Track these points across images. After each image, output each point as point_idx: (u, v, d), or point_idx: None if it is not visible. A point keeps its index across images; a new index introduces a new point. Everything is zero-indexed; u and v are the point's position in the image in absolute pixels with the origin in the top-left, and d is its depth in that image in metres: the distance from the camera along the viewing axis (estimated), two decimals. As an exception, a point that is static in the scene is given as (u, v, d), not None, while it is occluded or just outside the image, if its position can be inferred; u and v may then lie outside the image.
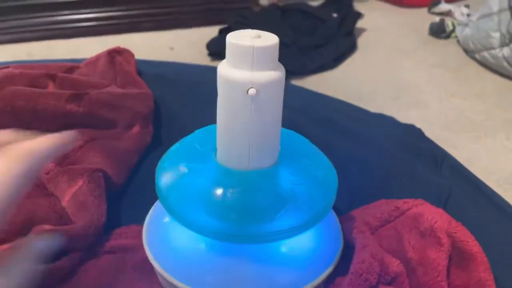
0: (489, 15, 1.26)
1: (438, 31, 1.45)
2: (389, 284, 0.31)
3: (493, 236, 0.37)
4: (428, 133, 0.52)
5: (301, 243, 0.32)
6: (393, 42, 1.44)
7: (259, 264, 0.31)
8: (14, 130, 0.26)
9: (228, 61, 0.28)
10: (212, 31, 1.46)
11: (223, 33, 1.45)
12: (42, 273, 0.29)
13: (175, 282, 0.30)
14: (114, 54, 0.57)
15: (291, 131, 0.35)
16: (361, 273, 0.30)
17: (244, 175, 0.30)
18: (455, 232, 0.32)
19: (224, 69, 0.28)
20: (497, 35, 1.21)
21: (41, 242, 0.27)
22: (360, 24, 1.49)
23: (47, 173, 0.40)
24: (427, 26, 1.48)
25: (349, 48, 1.37)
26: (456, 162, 0.48)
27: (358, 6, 1.64)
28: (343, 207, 0.39)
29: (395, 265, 0.30)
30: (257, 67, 0.27)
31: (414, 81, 1.20)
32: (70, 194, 0.36)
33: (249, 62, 0.27)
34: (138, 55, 0.61)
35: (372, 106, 0.61)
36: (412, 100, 1.10)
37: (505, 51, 1.18)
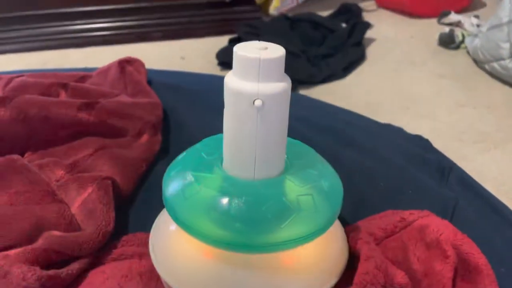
0: (499, 26, 1.25)
1: (448, 42, 1.45)
2: (393, 295, 0.31)
3: (500, 248, 0.37)
4: (437, 144, 0.52)
5: (306, 253, 0.32)
6: (402, 53, 1.44)
7: (264, 273, 0.31)
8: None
9: (235, 72, 0.29)
10: (222, 41, 1.48)
11: (232, 43, 1.46)
12: (50, 278, 0.30)
13: (180, 290, 0.31)
14: (125, 64, 0.58)
15: (297, 141, 0.35)
16: (365, 284, 0.30)
17: (250, 184, 0.30)
18: (461, 244, 0.32)
19: (230, 80, 0.28)
20: (507, 45, 1.20)
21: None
22: (369, 34, 1.50)
23: (57, 180, 0.41)
24: (436, 36, 1.48)
25: (358, 58, 1.37)
26: (464, 173, 0.47)
27: (367, 16, 1.65)
28: (349, 218, 0.39)
29: (400, 277, 0.30)
30: (263, 78, 0.28)
31: (423, 92, 1.20)
32: (79, 201, 0.37)
33: (255, 73, 0.28)
34: (150, 65, 0.62)
35: (381, 116, 0.61)
36: (421, 111, 1.09)
37: (516, 62, 1.18)
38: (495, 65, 1.23)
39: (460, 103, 1.12)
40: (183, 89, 0.60)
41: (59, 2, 1.71)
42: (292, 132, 0.33)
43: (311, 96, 0.66)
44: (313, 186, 0.31)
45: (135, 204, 0.42)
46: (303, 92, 1.20)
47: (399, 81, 1.25)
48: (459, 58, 1.40)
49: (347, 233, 0.36)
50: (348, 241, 0.35)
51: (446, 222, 0.34)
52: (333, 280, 0.32)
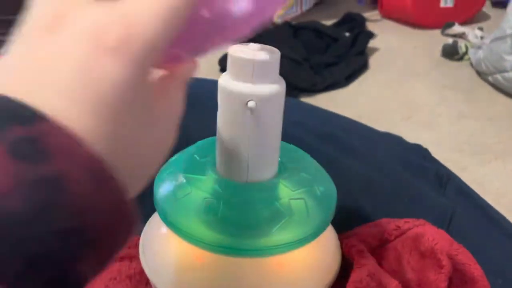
0: (502, 38, 1.25)
1: (451, 53, 1.45)
2: (386, 305, 0.30)
3: (497, 260, 0.37)
4: (438, 154, 0.52)
5: (297, 259, 0.32)
6: (405, 63, 1.44)
7: (254, 278, 0.31)
8: None
9: (229, 73, 0.28)
10: (224, 47, 1.48)
11: (235, 49, 1.46)
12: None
13: (169, 294, 0.30)
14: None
15: (292, 146, 0.35)
16: (357, 293, 0.29)
17: (242, 187, 0.30)
18: (456, 255, 0.32)
19: (224, 81, 0.28)
20: (510, 58, 1.20)
21: None
22: (372, 43, 1.50)
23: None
24: (439, 47, 1.48)
25: (361, 67, 1.37)
26: (462, 183, 0.47)
27: (371, 26, 1.65)
28: (343, 224, 0.38)
29: (393, 286, 0.30)
30: (257, 80, 0.27)
31: (426, 102, 1.19)
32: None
33: (249, 74, 0.27)
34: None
35: (383, 126, 0.61)
36: (423, 121, 1.09)
37: (519, 74, 1.18)
38: (498, 77, 1.23)
39: (462, 114, 1.12)
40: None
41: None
42: (289, 137, 0.33)
43: (311, 104, 0.66)
44: (306, 191, 0.31)
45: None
46: (305, 99, 1.20)
47: (401, 91, 1.25)
48: (462, 69, 1.39)
49: (341, 240, 0.35)
50: (341, 248, 0.35)
51: (441, 231, 0.34)
52: (325, 287, 0.31)
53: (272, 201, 0.30)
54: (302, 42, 1.39)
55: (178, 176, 0.31)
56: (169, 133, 0.20)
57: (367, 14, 1.77)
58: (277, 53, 0.28)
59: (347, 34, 1.49)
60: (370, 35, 1.46)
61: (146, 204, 0.35)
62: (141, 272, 0.32)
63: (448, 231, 0.37)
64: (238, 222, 0.29)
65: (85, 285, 0.16)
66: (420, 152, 0.52)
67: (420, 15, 1.73)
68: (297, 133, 0.50)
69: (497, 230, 0.40)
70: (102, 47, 0.16)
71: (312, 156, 0.35)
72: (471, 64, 1.39)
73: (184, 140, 0.42)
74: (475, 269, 0.31)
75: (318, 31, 1.46)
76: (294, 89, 1.21)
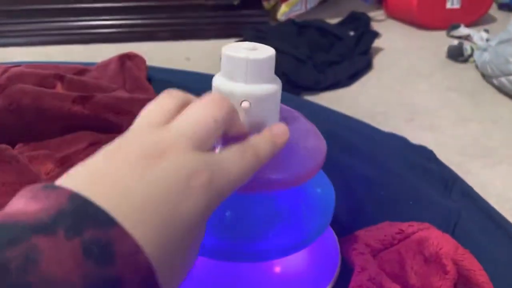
0: (508, 40, 1.24)
1: (456, 55, 1.44)
2: (388, 310, 0.29)
3: (503, 265, 0.36)
4: (441, 157, 0.51)
5: (295, 263, 0.31)
6: (410, 63, 1.42)
7: (251, 283, 0.30)
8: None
9: (222, 73, 0.28)
10: (228, 44, 1.47)
11: (239, 46, 1.45)
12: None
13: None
14: (125, 59, 0.57)
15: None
16: (358, 297, 0.28)
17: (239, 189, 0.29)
18: (461, 260, 0.31)
19: (218, 81, 0.27)
20: (516, 61, 1.19)
21: None
22: (376, 43, 1.49)
23: (47, 174, 0.40)
24: (445, 49, 1.47)
25: (365, 67, 1.36)
26: (468, 187, 0.46)
27: (375, 26, 1.64)
28: (345, 227, 0.37)
29: (395, 291, 0.29)
30: (251, 80, 0.27)
31: (429, 104, 1.18)
32: (66, 196, 0.36)
33: (242, 74, 0.26)
34: (155, 64, 0.61)
35: (385, 126, 0.60)
36: (426, 123, 1.08)
37: (524, 78, 1.17)
38: (503, 79, 1.22)
39: (466, 117, 1.11)
40: (182, 87, 0.58)
41: (66, -2, 1.72)
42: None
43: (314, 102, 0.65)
44: (304, 193, 0.30)
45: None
46: (308, 98, 1.19)
47: (405, 92, 1.23)
48: (467, 71, 1.38)
49: (342, 243, 0.34)
50: (342, 252, 0.34)
51: (447, 236, 0.33)
52: (325, 291, 0.30)
53: (269, 204, 0.29)
54: (306, 40, 1.38)
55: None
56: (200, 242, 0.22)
57: (372, 14, 1.75)
58: (271, 51, 0.27)
59: (351, 33, 1.48)
60: (375, 34, 1.45)
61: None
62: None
63: (453, 235, 0.36)
64: (234, 225, 0.28)
65: None
66: (425, 154, 0.51)
67: (426, 16, 1.72)
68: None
69: (503, 235, 0.39)
70: (193, 185, 0.19)
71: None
72: (476, 67, 1.38)
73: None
74: (480, 275, 0.30)
75: (322, 29, 1.45)
76: (297, 87, 1.20)
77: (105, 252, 0.16)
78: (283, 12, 1.76)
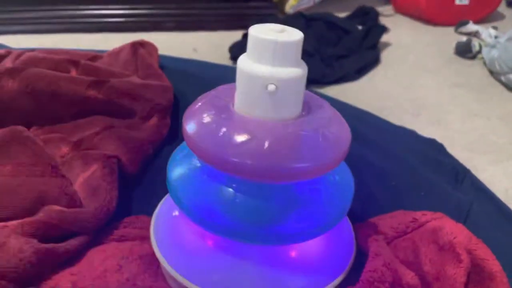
0: (518, 37, 1.23)
1: (464, 51, 1.43)
2: (402, 296, 0.29)
3: (513, 257, 0.36)
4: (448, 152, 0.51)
5: (312, 248, 0.31)
6: (417, 59, 1.42)
7: (267, 266, 0.30)
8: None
9: (248, 54, 0.27)
10: (235, 35, 1.47)
11: (246, 38, 1.45)
12: (47, 252, 0.29)
13: (180, 278, 0.30)
14: (138, 46, 0.57)
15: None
16: (372, 282, 0.28)
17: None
18: (475, 249, 0.31)
19: (244, 63, 0.27)
20: (525, 58, 1.18)
21: None
22: (384, 38, 1.48)
23: (62, 157, 0.40)
24: (452, 45, 1.46)
25: (372, 61, 1.35)
26: (478, 180, 0.46)
27: (383, 21, 1.63)
28: (357, 215, 0.38)
29: (409, 277, 0.29)
30: (279, 62, 0.26)
31: (436, 99, 1.18)
32: (83, 178, 0.36)
33: (270, 57, 0.26)
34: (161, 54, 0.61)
35: (392, 121, 0.60)
36: (433, 118, 1.08)
37: (532, 75, 1.16)
38: (512, 77, 1.21)
39: (473, 113, 1.11)
40: (194, 76, 0.58)
41: (74, -14, 1.71)
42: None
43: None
44: (324, 179, 0.30)
45: (138, 187, 0.41)
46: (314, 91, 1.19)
47: (412, 87, 1.23)
48: (475, 68, 1.38)
49: (356, 229, 0.35)
50: (356, 238, 0.34)
51: (460, 225, 0.33)
52: (340, 277, 0.31)
53: (289, 189, 0.29)
54: (314, 33, 1.38)
55: (192, 159, 0.31)
56: None
57: (380, 9, 1.74)
58: (300, 35, 0.27)
59: (359, 27, 1.47)
60: (383, 29, 1.45)
61: (159, 185, 0.35)
62: (153, 253, 0.32)
63: (465, 225, 0.36)
64: (254, 208, 0.28)
65: None
66: (435, 147, 0.51)
67: (434, 12, 1.71)
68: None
69: (513, 228, 0.39)
70: None
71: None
72: (484, 63, 1.37)
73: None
74: (493, 265, 0.30)
75: (330, 22, 1.44)
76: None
77: None
78: (291, 5, 1.76)
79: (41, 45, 1.43)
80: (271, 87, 0.26)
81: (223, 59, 1.35)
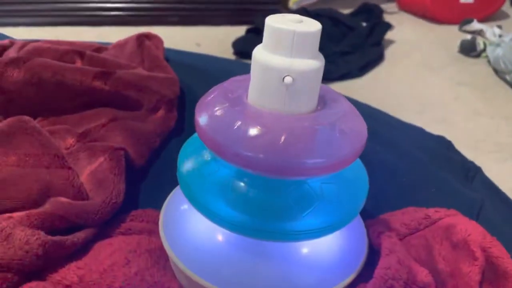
0: (523, 36, 1.23)
1: (469, 49, 1.42)
2: (415, 294, 0.29)
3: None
4: (453, 150, 0.50)
5: (325, 246, 0.30)
6: (421, 57, 1.41)
7: (278, 263, 0.29)
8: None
9: (265, 45, 0.27)
10: (238, 31, 1.46)
11: (249, 33, 1.44)
12: (54, 245, 0.28)
13: (189, 273, 0.29)
14: (143, 38, 0.56)
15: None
16: (386, 279, 0.28)
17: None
18: (489, 247, 0.30)
19: (260, 53, 0.26)
20: (530, 57, 1.18)
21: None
22: (389, 35, 1.47)
23: (68, 148, 0.39)
24: (457, 43, 1.46)
25: (376, 58, 1.35)
26: (488, 178, 0.46)
27: (388, 18, 1.62)
28: (368, 212, 0.37)
29: (423, 275, 0.29)
30: (297, 54, 0.26)
31: (440, 98, 1.17)
32: (89, 170, 0.35)
33: (288, 47, 0.25)
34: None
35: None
36: (437, 116, 1.07)
37: (537, 74, 1.16)
38: (516, 76, 1.21)
39: (477, 112, 1.10)
40: (200, 70, 0.58)
41: (77, -21, 1.70)
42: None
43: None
44: (339, 175, 0.29)
45: (145, 180, 0.40)
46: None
47: (416, 85, 1.23)
48: (479, 66, 1.37)
49: (367, 227, 0.34)
50: (368, 235, 0.33)
51: (474, 222, 0.32)
52: (352, 275, 0.30)
53: (303, 184, 0.28)
54: (318, 29, 1.37)
55: (203, 152, 0.30)
56: None
57: (384, 6, 1.73)
58: (318, 26, 0.27)
59: (364, 24, 1.46)
60: (388, 26, 1.44)
61: (166, 179, 0.34)
62: (161, 248, 0.31)
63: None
64: (266, 204, 0.28)
65: None
66: (444, 144, 0.51)
67: (439, 10, 1.70)
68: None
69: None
70: None
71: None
72: (489, 62, 1.36)
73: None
74: (509, 263, 0.30)
75: (334, 19, 1.43)
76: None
77: None
78: (295, 0, 1.75)
79: (43, 38, 1.42)
80: (288, 79, 0.25)
81: (226, 54, 1.34)
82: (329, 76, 1.23)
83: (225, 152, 0.26)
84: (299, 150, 0.25)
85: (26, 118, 0.36)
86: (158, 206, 0.34)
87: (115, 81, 0.43)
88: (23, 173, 0.31)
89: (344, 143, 0.26)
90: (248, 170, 0.27)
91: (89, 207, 0.31)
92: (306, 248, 0.30)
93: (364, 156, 0.44)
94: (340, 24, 1.42)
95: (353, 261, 0.31)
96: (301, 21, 0.26)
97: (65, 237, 0.29)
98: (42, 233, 0.28)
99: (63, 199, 0.31)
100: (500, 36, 1.48)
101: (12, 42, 0.52)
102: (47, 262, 0.28)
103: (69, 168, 0.34)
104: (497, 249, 0.30)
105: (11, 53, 0.48)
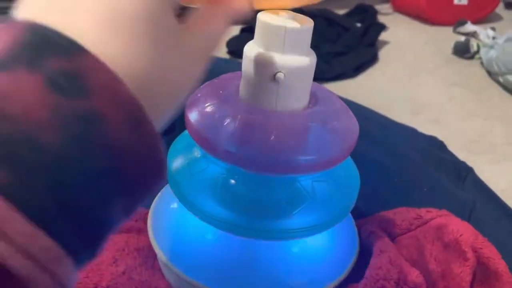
0: (516, 38, 1.23)
1: (462, 51, 1.43)
2: (406, 295, 0.29)
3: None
4: (446, 152, 0.50)
5: (315, 244, 0.30)
6: (415, 58, 1.42)
7: (269, 262, 0.29)
8: None
9: (256, 41, 0.26)
10: (232, 30, 1.45)
11: (244, 32, 1.43)
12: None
13: (177, 271, 0.29)
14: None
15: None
16: (377, 279, 0.28)
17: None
18: (480, 248, 0.30)
19: (251, 49, 0.26)
20: (523, 59, 1.18)
21: None
22: (383, 36, 1.47)
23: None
24: (451, 45, 1.46)
25: (370, 59, 1.35)
26: (480, 179, 0.45)
27: (382, 19, 1.62)
28: (360, 212, 0.37)
29: (414, 275, 0.28)
30: (288, 50, 0.25)
31: (434, 99, 1.17)
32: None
33: (279, 44, 0.25)
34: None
35: (390, 119, 0.59)
36: (431, 118, 1.07)
37: (530, 77, 1.16)
38: (510, 78, 1.21)
39: (470, 113, 1.10)
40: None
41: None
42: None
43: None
44: (330, 173, 0.29)
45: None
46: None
47: (409, 86, 1.23)
48: (472, 68, 1.37)
49: (359, 226, 0.34)
50: (359, 235, 0.33)
51: (465, 223, 0.32)
52: (342, 274, 0.30)
53: (294, 182, 0.28)
54: (313, 29, 1.37)
55: (193, 150, 0.30)
56: (199, 64, 0.19)
57: (378, 7, 1.74)
58: (311, 22, 0.26)
59: (358, 24, 1.46)
60: (382, 27, 1.44)
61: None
62: (149, 246, 0.31)
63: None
64: (256, 202, 0.27)
65: (110, 233, 0.15)
66: (436, 144, 0.51)
67: (433, 11, 1.70)
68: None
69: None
70: None
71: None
72: (482, 64, 1.37)
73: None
74: (499, 264, 0.30)
75: (329, 19, 1.43)
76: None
77: (77, 84, 0.13)
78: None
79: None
80: (280, 76, 0.25)
81: (220, 53, 1.33)
82: (323, 76, 1.23)
83: (216, 149, 0.26)
84: (290, 147, 0.25)
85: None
86: (147, 204, 0.34)
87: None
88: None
89: (335, 140, 0.26)
90: (238, 167, 0.26)
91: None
92: (297, 247, 0.30)
93: (357, 156, 0.44)
94: (334, 24, 1.42)
95: (344, 260, 0.30)
96: (293, 18, 0.26)
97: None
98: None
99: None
100: (493, 38, 1.49)
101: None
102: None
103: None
104: (488, 249, 0.30)
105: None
